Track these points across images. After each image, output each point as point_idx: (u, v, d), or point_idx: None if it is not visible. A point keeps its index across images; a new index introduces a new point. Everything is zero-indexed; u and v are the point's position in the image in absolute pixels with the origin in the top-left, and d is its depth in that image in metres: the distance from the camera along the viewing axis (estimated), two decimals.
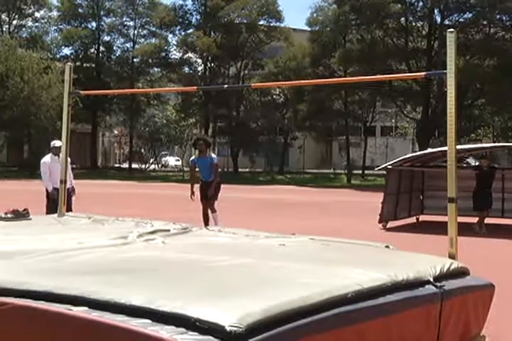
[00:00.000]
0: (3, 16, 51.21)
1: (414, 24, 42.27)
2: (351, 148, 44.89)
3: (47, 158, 11.58)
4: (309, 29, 45.24)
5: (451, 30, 4.71)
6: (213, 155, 13.16)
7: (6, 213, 5.55)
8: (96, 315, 2.65)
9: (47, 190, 11.37)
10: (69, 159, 12.25)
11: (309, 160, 53.80)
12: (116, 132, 61.46)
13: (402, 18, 41.35)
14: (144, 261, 3.56)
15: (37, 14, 52.97)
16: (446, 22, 40.01)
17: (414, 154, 18.27)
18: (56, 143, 11.24)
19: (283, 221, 15.57)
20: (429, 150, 17.93)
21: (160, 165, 56.75)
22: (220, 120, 49.42)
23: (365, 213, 17.63)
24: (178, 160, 56.60)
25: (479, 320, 3.99)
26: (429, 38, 40.47)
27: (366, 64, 37.30)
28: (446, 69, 4.65)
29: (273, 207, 21.34)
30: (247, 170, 48.89)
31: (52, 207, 10.42)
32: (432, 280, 3.62)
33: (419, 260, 4.15)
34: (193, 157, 13.66)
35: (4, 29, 50.82)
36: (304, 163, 52.78)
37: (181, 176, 44.45)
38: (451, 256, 4.43)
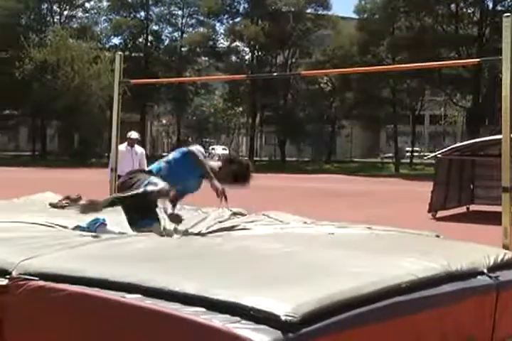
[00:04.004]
0: (54, 7, 51.97)
1: (465, 10, 41.52)
2: (399, 137, 44.45)
3: (121, 147, 11.41)
4: (357, 17, 44.84)
5: (508, 14, 4.60)
6: None
7: (59, 201, 5.63)
8: (149, 303, 2.66)
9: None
10: (143, 150, 12.10)
11: (357, 149, 53.47)
12: (164, 121, 62.01)
13: (453, 5, 40.64)
14: (198, 249, 3.58)
15: (87, 5, 53.67)
16: (499, 7, 39.18)
17: (464, 143, 17.97)
18: (133, 134, 11.30)
19: (331, 210, 15.50)
20: (481, 138, 17.61)
21: (208, 154, 57.13)
22: (268, 109, 49.39)
23: (414, 202, 17.44)
24: (225, 149, 56.88)
25: None
26: (480, 25, 39.69)
27: (415, 51, 36.80)
28: (498, 55, 4.56)
29: (321, 196, 21.26)
30: (294, 159, 48.83)
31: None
32: (485, 270, 3.56)
33: (471, 250, 4.08)
34: None
35: (55, 20, 51.57)
36: (352, 151, 52.47)
37: None
38: (506, 247, 4.35)
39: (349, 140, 52.53)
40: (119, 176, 10.84)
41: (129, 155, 11.01)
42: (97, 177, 12.57)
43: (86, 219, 4.68)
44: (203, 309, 2.54)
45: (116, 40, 53.40)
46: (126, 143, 11.32)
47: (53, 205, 5.56)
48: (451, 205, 16.30)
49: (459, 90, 42.90)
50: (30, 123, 51.33)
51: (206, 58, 52.80)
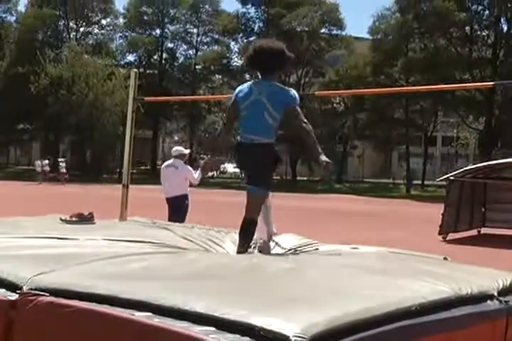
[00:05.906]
0: (71, 24, 52.56)
1: (479, 33, 41.66)
2: (411, 158, 44.39)
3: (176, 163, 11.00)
4: (371, 37, 45.05)
5: None
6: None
7: (71, 216, 5.65)
8: (158, 321, 2.65)
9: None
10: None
11: (368, 170, 53.41)
12: (176, 138, 62.22)
13: (467, 27, 40.79)
14: (209, 268, 3.58)
15: (103, 21, 54.29)
16: None
17: (476, 165, 17.91)
18: (184, 150, 11.27)
19: (341, 231, 15.46)
20: (494, 161, 17.54)
21: (218, 172, 57.08)
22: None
23: (424, 224, 17.38)
24: (237, 168, 56.80)
25: None
26: (494, 47, 39.79)
27: (428, 73, 36.90)
28: None
29: (330, 216, 21.22)
30: (306, 178, 48.79)
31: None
32: (496, 294, 3.53)
33: (481, 273, 4.06)
34: None
35: (72, 36, 52.12)
36: (363, 172, 52.39)
37: (239, 183, 44.53)
38: None
39: (361, 160, 52.50)
40: (181, 197, 10.81)
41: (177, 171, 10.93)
42: (112, 193, 12.58)
43: (96, 234, 4.69)
44: (213, 328, 2.53)
45: (131, 57, 53.95)
46: (174, 160, 11.10)
47: (65, 221, 5.58)
48: (462, 228, 16.21)
49: (471, 112, 42.88)
50: (44, 137, 51.67)
51: (220, 76, 53.11)
